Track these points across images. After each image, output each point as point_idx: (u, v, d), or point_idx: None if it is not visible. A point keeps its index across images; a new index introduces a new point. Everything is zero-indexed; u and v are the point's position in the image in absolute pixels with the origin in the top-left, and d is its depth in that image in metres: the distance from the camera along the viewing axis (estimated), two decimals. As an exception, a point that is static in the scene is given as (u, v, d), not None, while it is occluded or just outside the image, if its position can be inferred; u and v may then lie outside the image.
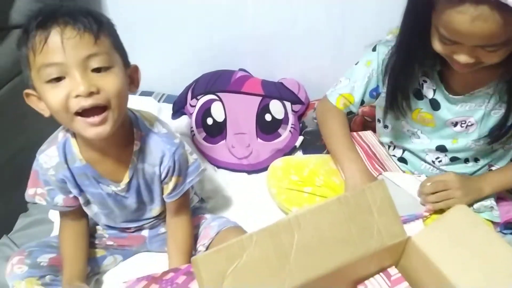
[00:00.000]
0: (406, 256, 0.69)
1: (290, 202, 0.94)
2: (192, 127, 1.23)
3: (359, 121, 1.20)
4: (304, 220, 0.64)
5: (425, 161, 0.93)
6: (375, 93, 0.94)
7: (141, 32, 1.36)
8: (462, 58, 0.70)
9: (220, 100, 1.24)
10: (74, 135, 0.74)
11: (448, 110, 0.84)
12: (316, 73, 1.33)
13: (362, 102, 0.96)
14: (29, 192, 0.79)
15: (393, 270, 0.69)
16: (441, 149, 0.89)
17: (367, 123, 1.18)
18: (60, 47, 0.60)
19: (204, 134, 1.21)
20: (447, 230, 0.67)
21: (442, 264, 0.63)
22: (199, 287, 0.59)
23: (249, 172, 1.17)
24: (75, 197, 0.79)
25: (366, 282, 0.68)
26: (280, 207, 0.99)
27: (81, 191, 0.79)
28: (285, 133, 1.21)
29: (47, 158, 0.74)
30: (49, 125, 1.18)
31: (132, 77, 0.71)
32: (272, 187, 0.97)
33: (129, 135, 0.75)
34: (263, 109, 1.22)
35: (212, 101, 1.24)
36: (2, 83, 0.97)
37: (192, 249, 0.84)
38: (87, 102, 0.62)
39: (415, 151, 0.94)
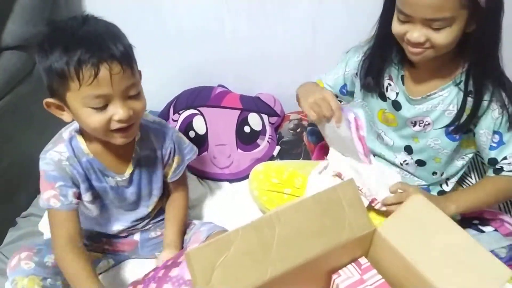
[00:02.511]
0: (374, 246, 0.77)
1: (271, 203, 1.02)
2: (175, 140, 1.30)
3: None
4: (283, 216, 0.71)
5: (395, 164, 1.02)
6: (344, 90, 1.06)
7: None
8: (414, 35, 0.77)
9: (201, 114, 1.32)
10: (79, 132, 0.82)
11: (408, 110, 0.92)
12: (290, 87, 1.42)
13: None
14: (44, 196, 0.80)
15: (363, 260, 0.77)
16: (408, 149, 0.97)
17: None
18: (108, 81, 0.68)
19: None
20: (407, 220, 0.74)
21: (406, 250, 0.70)
22: (191, 278, 0.65)
23: (231, 181, 1.24)
24: (79, 193, 0.82)
25: (340, 271, 0.76)
26: (261, 208, 1.06)
27: (89, 186, 0.83)
28: (263, 143, 1.29)
29: (57, 154, 0.79)
30: (39, 140, 1.23)
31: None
32: (254, 190, 1.04)
33: None
34: (242, 121, 1.31)
35: (193, 115, 1.32)
36: (-6, 101, 1.01)
37: (186, 220, 0.96)
38: (124, 125, 0.74)
39: (386, 155, 1.02)
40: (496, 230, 0.98)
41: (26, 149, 1.14)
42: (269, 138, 1.31)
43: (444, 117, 0.89)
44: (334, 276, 0.75)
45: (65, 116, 0.75)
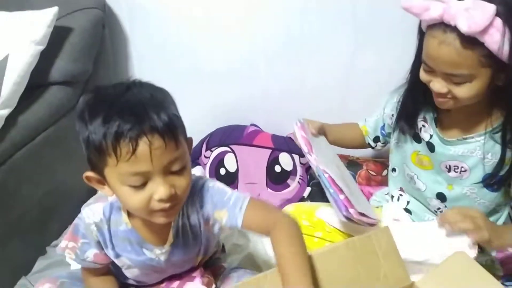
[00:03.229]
0: None
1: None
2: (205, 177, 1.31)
3: (364, 175, 1.27)
4: (315, 261, 0.69)
5: (429, 210, 0.98)
6: (383, 132, 1.06)
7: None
8: (436, 85, 0.78)
9: (233, 152, 1.33)
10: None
11: (443, 151, 0.89)
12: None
13: (377, 139, 1.07)
14: (62, 245, 0.78)
15: None
16: (441, 197, 0.93)
17: (372, 177, 1.25)
18: (148, 157, 0.60)
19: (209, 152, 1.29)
20: (448, 276, 0.70)
21: None
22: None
23: (259, 221, 1.21)
24: (106, 255, 0.78)
25: None
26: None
27: (118, 255, 0.77)
28: (293, 184, 1.27)
29: (91, 213, 0.74)
30: (75, 173, 1.27)
31: (189, 150, 0.70)
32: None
33: None
34: (273, 161, 1.30)
35: (225, 152, 1.33)
36: (39, 131, 1.06)
37: (307, 257, 0.67)
38: (167, 205, 0.64)
39: (419, 198, 0.98)
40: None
41: (62, 181, 1.19)
42: (299, 178, 1.29)
43: (482, 166, 0.85)
44: None
45: (106, 190, 0.67)
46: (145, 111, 0.61)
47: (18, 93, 1.01)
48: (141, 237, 0.75)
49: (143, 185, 0.62)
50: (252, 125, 1.44)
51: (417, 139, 0.95)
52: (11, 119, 1.00)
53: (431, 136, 0.91)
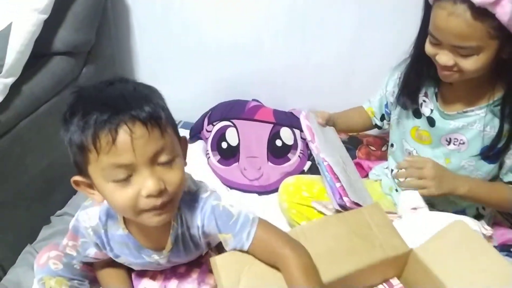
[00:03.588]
0: (408, 268, 0.74)
1: (300, 217, 1.01)
2: (207, 150, 1.32)
3: (363, 150, 1.28)
4: (310, 233, 0.71)
5: None
6: (387, 110, 1.07)
7: (163, 63, 1.48)
8: (442, 58, 0.78)
9: (235, 126, 1.34)
10: None
11: (443, 126, 0.91)
12: (324, 106, 1.43)
13: (383, 118, 1.09)
14: (63, 242, 0.79)
15: (395, 281, 0.74)
16: None
17: (371, 152, 1.27)
18: (130, 147, 0.55)
19: (218, 157, 1.30)
20: (447, 244, 0.71)
21: (442, 273, 0.67)
22: (217, 284, 0.65)
23: (260, 193, 1.24)
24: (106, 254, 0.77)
25: None
26: (290, 222, 1.05)
27: (117, 256, 0.76)
28: (294, 158, 1.29)
29: (87, 217, 0.72)
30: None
31: (182, 150, 0.65)
32: (283, 202, 1.04)
33: None
34: (274, 135, 1.32)
35: (227, 127, 1.34)
36: (43, 102, 1.06)
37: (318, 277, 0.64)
38: (157, 202, 0.58)
39: None
40: (537, 260, 0.93)
41: (66, 152, 1.19)
42: (300, 153, 1.31)
43: (480, 138, 0.87)
44: None
45: (96, 196, 0.62)
46: (125, 102, 0.56)
47: (22, 62, 1.00)
48: (138, 243, 0.72)
49: (128, 179, 0.57)
50: (254, 100, 1.45)
51: (417, 114, 0.96)
52: (15, 88, 1.00)
53: (431, 110, 0.93)
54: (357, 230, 0.72)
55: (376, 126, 1.12)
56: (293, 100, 1.45)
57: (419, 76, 0.92)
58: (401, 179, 0.89)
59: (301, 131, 1.35)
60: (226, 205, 0.70)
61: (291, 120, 1.36)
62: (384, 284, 0.74)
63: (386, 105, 1.06)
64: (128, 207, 0.59)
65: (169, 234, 0.71)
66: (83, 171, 0.60)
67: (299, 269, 0.62)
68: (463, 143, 0.89)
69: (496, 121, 0.84)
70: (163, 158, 0.58)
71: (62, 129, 0.60)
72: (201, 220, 0.70)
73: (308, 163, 1.29)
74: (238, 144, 1.31)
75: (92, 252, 0.77)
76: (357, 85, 1.35)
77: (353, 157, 1.23)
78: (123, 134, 0.55)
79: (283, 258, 0.64)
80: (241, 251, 0.67)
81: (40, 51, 1.08)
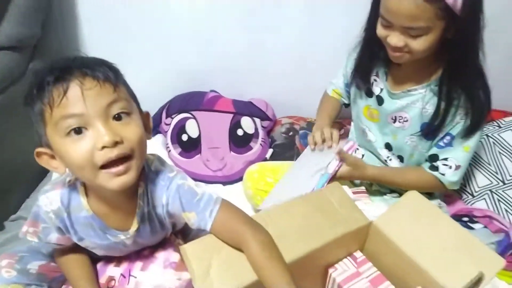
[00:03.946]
0: (369, 240, 0.78)
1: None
2: (167, 144, 1.30)
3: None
4: (275, 215, 0.73)
5: (380, 160, 1.06)
6: (348, 89, 1.11)
7: (114, 57, 1.42)
8: (393, 39, 0.83)
9: (194, 117, 1.32)
10: (83, 184, 0.70)
11: (390, 104, 0.97)
12: (281, 92, 1.46)
13: (349, 95, 1.12)
14: (23, 229, 0.75)
15: (358, 254, 0.78)
16: (388, 147, 1.02)
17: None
18: (80, 98, 0.57)
19: (179, 149, 1.29)
20: (403, 213, 0.76)
21: (401, 242, 0.71)
22: (189, 271, 0.65)
23: (224, 183, 1.24)
24: (69, 238, 0.75)
25: (336, 265, 0.77)
26: (255, 208, 1.07)
27: (81, 238, 0.74)
28: (256, 146, 1.30)
29: (48, 201, 0.70)
30: (31, 142, 1.21)
31: (145, 124, 0.67)
32: (248, 189, 1.05)
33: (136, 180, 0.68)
34: (235, 125, 1.32)
35: (186, 119, 1.32)
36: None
37: (286, 266, 0.64)
38: (113, 153, 0.58)
39: (372, 150, 1.06)
40: (485, 227, 1.01)
41: (18, 151, 1.13)
42: (261, 141, 1.32)
43: (421, 116, 0.93)
44: (330, 270, 0.76)
45: (56, 164, 0.63)
46: (78, 65, 0.59)
47: (-39, 58, 0.94)
48: (103, 223, 0.71)
49: (83, 134, 0.58)
50: (212, 91, 1.44)
51: (369, 93, 1.01)
52: (-45, 87, 0.93)
53: (381, 90, 0.98)
54: (321, 208, 0.75)
55: (345, 105, 1.16)
56: (251, 89, 1.46)
57: (371, 58, 0.97)
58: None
59: (262, 119, 1.37)
60: (191, 184, 0.71)
61: (250, 109, 1.37)
62: (349, 258, 0.78)
63: (347, 85, 1.11)
64: (85, 162, 0.58)
65: (135, 214, 0.71)
66: (43, 140, 0.61)
67: (259, 246, 0.64)
68: (407, 120, 0.95)
69: (435, 100, 0.89)
70: (116, 109, 0.59)
71: (30, 113, 0.61)
72: (165, 199, 0.70)
73: (270, 151, 1.31)
74: (199, 135, 1.30)
75: (54, 238, 0.74)
76: (311, 67, 1.38)
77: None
78: (73, 87, 0.57)
79: (243, 236, 0.65)
80: (211, 236, 0.68)
81: (-19, 47, 1.01)
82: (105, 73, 0.59)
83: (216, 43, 1.38)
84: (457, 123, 0.89)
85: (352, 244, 0.78)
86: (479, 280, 0.61)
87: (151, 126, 0.70)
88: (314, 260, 0.72)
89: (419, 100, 0.92)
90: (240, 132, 1.31)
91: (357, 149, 1.09)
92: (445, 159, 0.93)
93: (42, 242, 0.75)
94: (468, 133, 0.89)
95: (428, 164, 0.96)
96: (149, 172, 0.71)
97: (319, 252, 0.71)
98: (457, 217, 1.03)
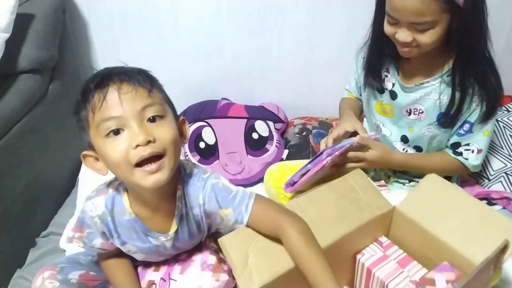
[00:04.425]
0: (393, 224, 0.80)
1: (287, 200, 1.04)
2: (186, 152, 1.34)
3: (335, 132, 1.35)
4: (304, 203, 0.76)
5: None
6: (361, 91, 1.13)
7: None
8: (401, 35, 0.85)
9: (209, 125, 1.36)
10: (125, 189, 0.75)
11: (403, 98, 0.99)
12: (290, 96, 1.49)
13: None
14: (68, 235, 0.80)
15: (383, 239, 0.81)
16: (404, 139, 1.04)
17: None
18: (118, 102, 0.62)
19: (198, 157, 1.32)
20: (425, 196, 0.78)
21: (425, 222, 0.74)
22: (229, 262, 0.69)
23: (245, 186, 1.26)
24: (112, 243, 0.79)
25: (363, 251, 0.79)
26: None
27: (124, 242, 0.78)
28: (272, 148, 1.34)
29: (93, 206, 0.75)
30: (56, 161, 1.24)
31: (181, 130, 0.72)
32: (270, 188, 1.08)
33: (173, 183, 0.74)
34: (250, 129, 1.36)
35: (202, 127, 1.36)
36: (13, 122, 1.04)
37: (324, 255, 0.67)
38: (145, 152, 0.62)
39: (386, 143, 1.07)
40: (504, 208, 1.03)
41: (43, 170, 1.17)
42: (277, 143, 1.35)
43: (436, 106, 0.95)
44: (358, 256, 0.78)
45: (100, 166, 0.68)
46: (117, 70, 0.65)
47: (-11, 83, 0.98)
48: (145, 226, 0.75)
49: (120, 135, 0.63)
50: (223, 99, 1.48)
51: (381, 89, 1.03)
52: (-16, 111, 0.97)
53: (393, 84, 1.01)
54: (345, 195, 0.78)
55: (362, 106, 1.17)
56: (261, 93, 1.50)
57: (380, 56, 1.00)
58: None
59: (275, 122, 1.41)
60: (225, 182, 0.75)
61: (263, 113, 1.40)
62: (375, 243, 0.80)
63: (360, 87, 1.13)
64: (121, 159, 0.63)
65: (174, 215, 0.75)
66: (88, 143, 0.67)
67: (297, 233, 0.67)
68: (422, 112, 0.98)
69: (449, 90, 0.92)
70: (150, 112, 0.64)
71: (77, 125, 0.68)
72: (202, 199, 0.74)
73: (286, 151, 1.34)
74: (216, 142, 1.33)
75: (98, 243, 0.78)
76: (318, 68, 1.42)
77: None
78: (112, 91, 0.63)
79: (281, 225, 0.68)
80: (246, 228, 0.71)
81: (5, 71, 1.06)
82: (141, 79, 0.65)
83: (223, 52, 1.42)
84: (474, 110, 0.92)
85: (377, 229, 0.80)
86: (505, 247, 0.63)
87: (187, 131, 0.74)
88: (343, 247, 0.75)
89: (433, 92, 0.95)
90: (255, 135, 1.35)
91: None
92: (467, 144, 0.96)
93: (87, 247, 0.79)
94: (485, 118, 0.92)
95: (450, 150, 0.99)
96: (185, 176, 0.75)
97: (347, 239, 0.74)
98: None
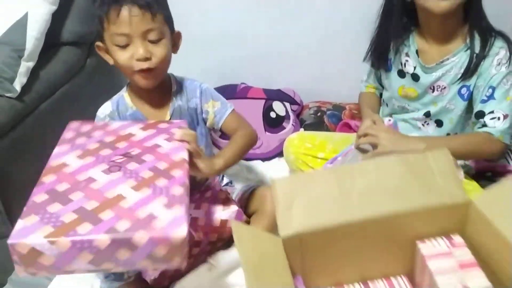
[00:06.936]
0: (470, 224, 0.67)
1: (306, 166, 1.13)
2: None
3: (348, 114, 1.44)
4: (365, 169, 0.68)
5: (416, 126, 1.11)
6: (380, 81, 1.19)
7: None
8: None
9: (230, 105, 1.45)
10: (126, 89, 0.95)
11: (426, 78, 1.03)
12: (306, 81, 1.58)
13: (383, 86, 1.18)
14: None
15: (457, 238, 0.68)
16: (427, 114, 1.08)
17: (354, 114, 1.43)
18: (128, 21, 0.81)
19: (219, 133, 1.41)
20: (506, 196, 0.65)
21: (502, 225, 0.61)
22: (274, 203, 0.66)
23: (263, 160, 1.36)
24: None
25: (426, 240, 0.67)
26: (296, 171, 1.16)
27: None
28: (288, 126, 1.42)
29: (103, 109, 0.95)
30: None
31: (175, 41, 0.92)
32: (290, 154, 1.16)
33: (168, 83, 0.96)
34: (268, 108, 1.45)
35: (223, 106, 1.45)
36: (58, 87, 1.14)
37: (242, 152, 0.95)
38: (144, 66, 0.84)
39: (408, 119, 1.13)
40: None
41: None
42: (293, 122, 1.44)
43: (457, 80, 1.01)
44: (418, 242, 0.68)
45: (108, 58, 0.89)
46: None
47: (39, 48, 1.08)
48: (144, 116, 0.94)
49: (127, 46, 0.83)
50: (242, 83, 1.57)
51: (401, 74, 1.09)
52: (34, 73, 1.07)
53: (414, 68, 1.06)
54: (416, 172, 0.67)
55: (381, 96, 1.22)
56: (279, 79, 1.59)
57: (390, 34, 1.05)
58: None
59: (291, 104, 1.49)
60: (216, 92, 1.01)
61: (280, 96, 1.50)
62: (444, 238, 0.68)
63: (379, 78, 1.18)
64: (126, 65, 0.85)
65: (169, 107, 0.95)
66: (101, 38, 0.87)
67: (241, 135, 0.95)
68: (445, 87, 1.03)
69: (465, 65, 0.98)
70: (152, 36, 0.84)
71: (94, 6, 0.87)
72: (199, 92, 0.97)
73: (301, 130, 1.43)
74: (236, 120, 1.42)
75: None
76: (335, 54, 1.50)
77: (339, 120, 1.39)
78: (124, 11, 0.81)
79: (237, 129, 0.97)
80: (301, 177, 0.80)
81: (50, 41, 1.15)
82: (149, 6, 0.82)
83: (243, 37, 1.50)
84: (494, 74, 0.95)
85: (447, 222, 0.68)
86: None
87: (179, 44, 0.94)
88: (400, 226, 0.67)
89: (453, 68, 1.00)
90: (273, 114, 1.44)
91: (389, 120, 1.08)
92: (491, 112, 0.96)
93: None
94: (507, 81, 0.95)
95: (475, 126, 1.00)
96: (181, 80, 0.97)
97: (405, 218, 0.66)
98: (481, 172, 1.10)
